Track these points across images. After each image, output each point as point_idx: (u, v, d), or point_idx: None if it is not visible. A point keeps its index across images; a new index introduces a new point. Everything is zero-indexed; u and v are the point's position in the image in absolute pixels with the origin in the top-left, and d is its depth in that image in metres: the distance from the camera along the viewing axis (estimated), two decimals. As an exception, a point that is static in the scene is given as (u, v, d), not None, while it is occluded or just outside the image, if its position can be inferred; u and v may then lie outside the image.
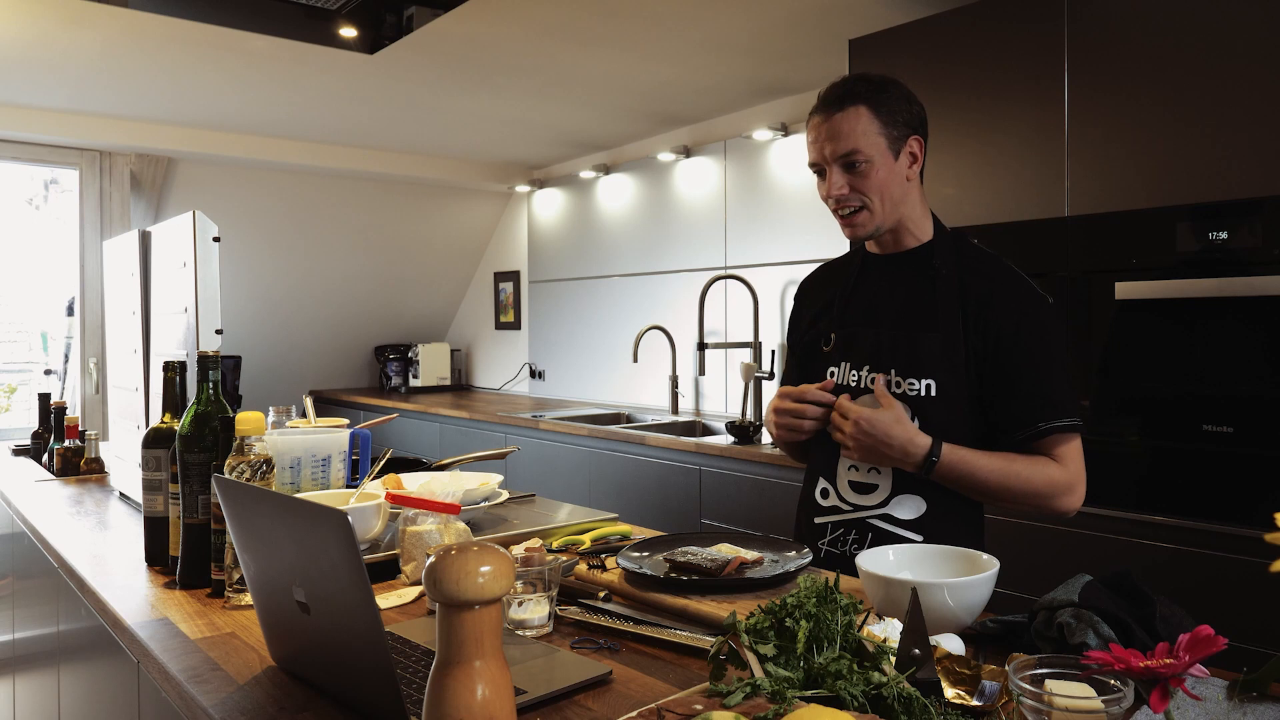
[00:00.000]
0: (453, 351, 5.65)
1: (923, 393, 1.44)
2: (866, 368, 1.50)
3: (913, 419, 1.43)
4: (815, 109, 1.47)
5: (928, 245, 1.51)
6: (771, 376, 3.69)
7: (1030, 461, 1.41)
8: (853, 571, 1.40)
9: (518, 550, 1.29)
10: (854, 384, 1.51)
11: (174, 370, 1.61)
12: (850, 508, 1.50)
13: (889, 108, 1.44)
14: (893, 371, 1.47)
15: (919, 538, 1.44)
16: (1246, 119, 1.90)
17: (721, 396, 4.04)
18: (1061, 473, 1.41)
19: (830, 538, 1.52)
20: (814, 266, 3.89)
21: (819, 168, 1.47)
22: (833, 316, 1.58)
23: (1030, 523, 2.21)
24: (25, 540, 2.00)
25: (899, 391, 1.46)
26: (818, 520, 1.55)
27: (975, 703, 0.85)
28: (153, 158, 4.30)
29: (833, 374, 1.54)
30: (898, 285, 1.52)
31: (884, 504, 1.47)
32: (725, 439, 3.27)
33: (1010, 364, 1.42)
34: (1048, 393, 1.41)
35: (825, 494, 1.54)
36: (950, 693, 0.87)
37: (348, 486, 1.65)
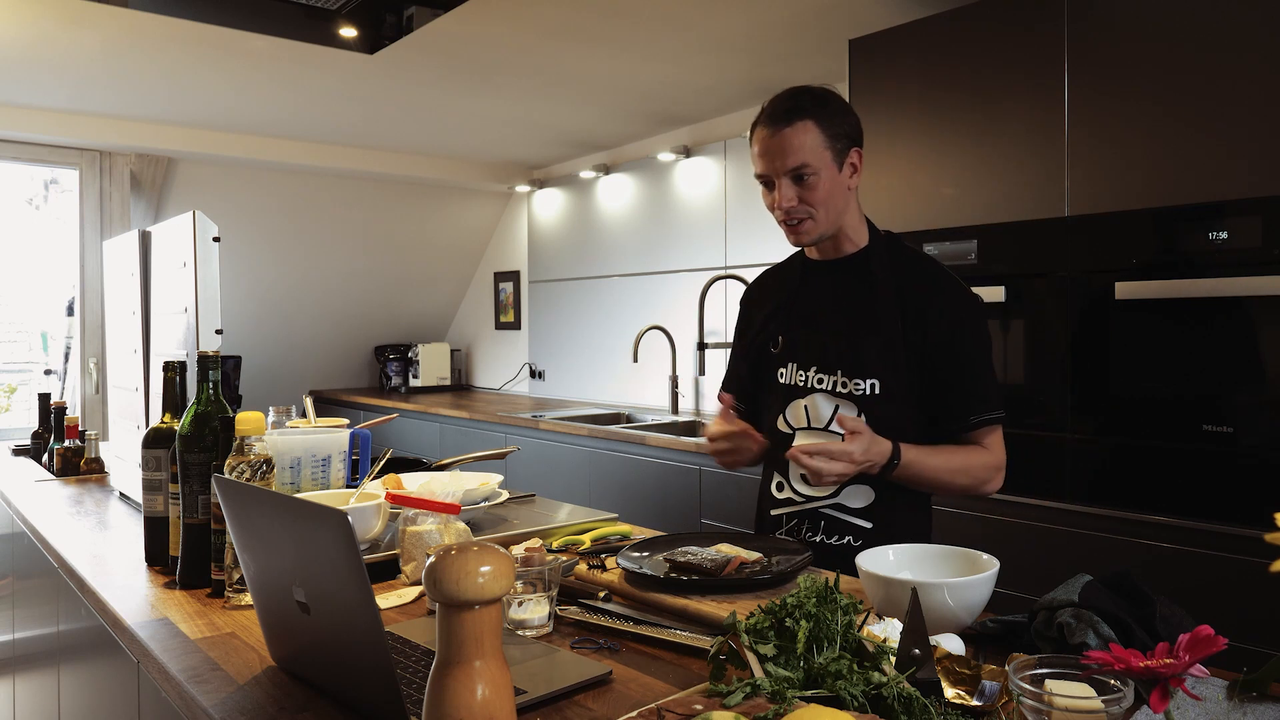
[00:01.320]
0: (453, 351, 5.65)
1: (868, 392, 1.53)
2: (814, 368, 1.58)
3: (859, 416, 1.52)
4: (761, 122, 1.53)
5: (864, 251, 1.59)
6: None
7: (968, 452, 1.52)
8: (818, 560, 1.50)
9: (518, 550, 1.29)
10: (801, 384, 1.59)
11: (174, 370, 1.61)
12: (803, 499, 1.59)
13: (832, 121, 1.51)
14: (839, 372, 1.55)
15: (869, 524, 1.54)
16: (1246, 119, 1.90)
17: (721, 396, 4.03)
18: (992, 458, 1.53)
19: (786, 527, 1.62)
20: (814, 266, 3.84)
21: (767, 179, 1.54)
22: (779, 320, 1.66)
23: (1030, 523, 2.21)
24: (25, 540, 2.00)
25: (845, 391, 1.55)
26: (774, 512, 1.64)
27: (975, 703, 0.85)
28: (153, 158, 4.30)
29: (781, 375, 1.62)
30: (838, 290, 1.60)
31: (835, 494, 1.56)
32: (725, 439, 3.27)
33: (946, 363, 1.52)
34: (979, 389, 1.52)
35: (780, 487, 1.63)
36: (950, 693, 0.87)
37: (348, 486, 1.65)
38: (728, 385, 1.78)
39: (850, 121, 1.54)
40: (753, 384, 1.71)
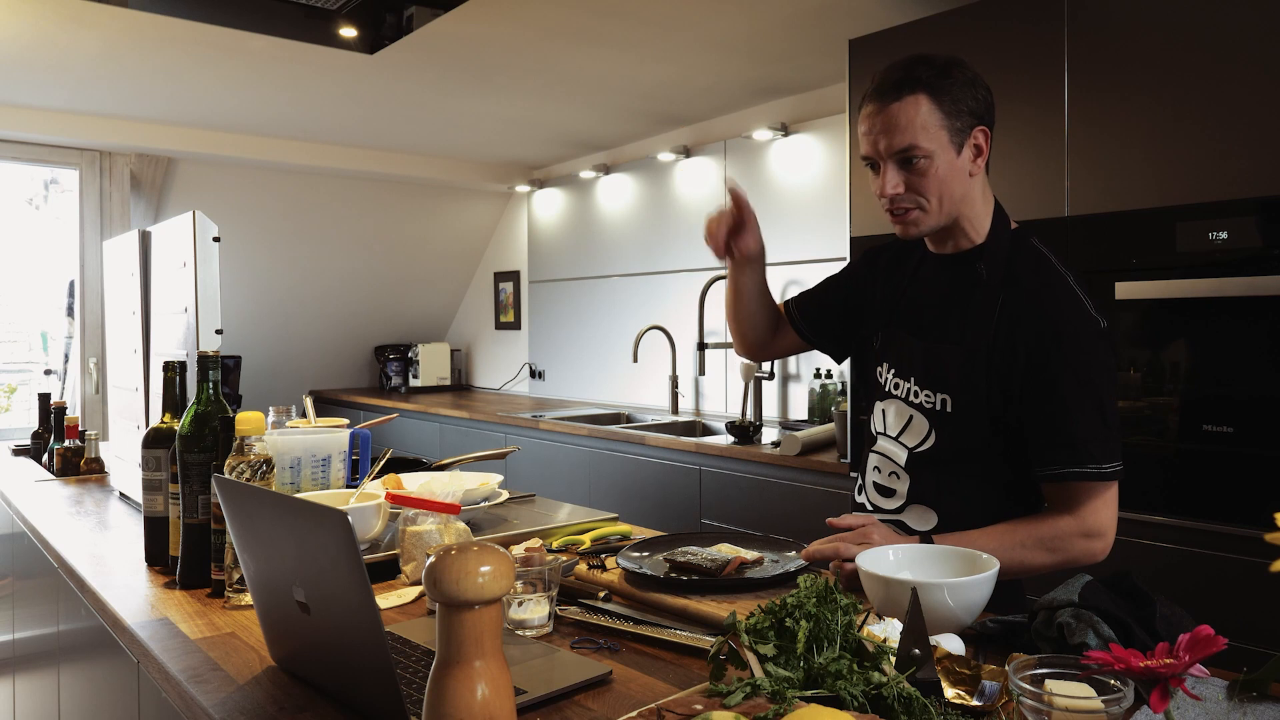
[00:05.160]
0: (453, 351, 5.65)
1: (938, 406, 1.37)
2: (893, 371, 1.45)
3: (930, 432, 1.38)
4: (870, 96, 1.33)
5: (980, 248, 1.38)
6: (771, 376, 3.69)
7: (1036, 524, 1.29)
8: None
9: (518, 550, 1.29)
10: (883, 386, 1.47)
11: (174, 370, 1.61)
12: (872, 509, 1.48)
13: (953, 95, 1.30)
14: (913, 380, 1.40)
15: None
16: (1246, 119, 1.90)
17: (721, 396, 4.04)
18: (1075, 523, 1.28)
19: None
20: (814, 266, 3.85)
21: (872, 162, 1.35)
22: (884, 314, 1.52)
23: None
24: (25, 540, 2.00)
25: (917, 402, 1.39)
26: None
27: (975, 703, 0.85)
28: (153, 158, 4.30)
29: (879, 373, 1.49)
30: (942, 289, 1.42)
31: (899, 510, 1.43)
32: (725, 439, 3.27)
33: (1036, 392, 1.29)
34: (1072, 433, 1.27)
35: (860, 490, 1.53)
36: (950, 693, 0.87)
37: (348, 486, 1.65)
38: (801, 299, 1.65)
39: (977, 95, 1.32)
40: (816, 313, 1.61)
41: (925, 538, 1.29)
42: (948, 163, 1.31)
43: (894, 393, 1.44)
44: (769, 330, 1.67)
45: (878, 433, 1.49)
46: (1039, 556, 1.29)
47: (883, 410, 1.47)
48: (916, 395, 1.40)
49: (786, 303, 1.69)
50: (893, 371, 1.45)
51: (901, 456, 1.43)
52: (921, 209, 1.33)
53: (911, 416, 1.41)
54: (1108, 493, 1.31)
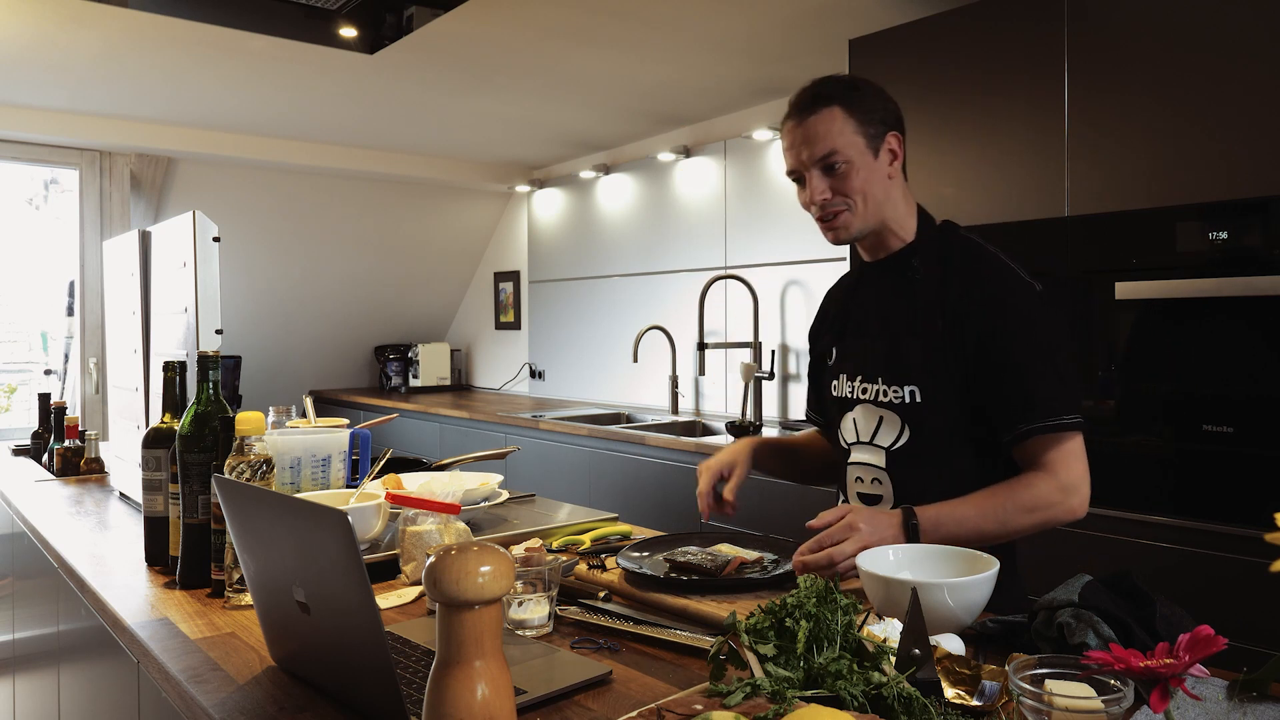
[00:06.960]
0: (453, 351, 5.65)
1: (906, 399, 1.41)
2: (859, 378, 1.49)
3: (902, 427, 1.42)
4: (788, 115, 1.44)
5: (910, 246, 1.47)
6: (771, 376, 3.69)
7: (1013, 485, 1.33)
8: None
9: (518, 550, 1.29)
10: (850, 395, 1.51)
11: (174, 370, 1.61)
12: None
13: (864, 105, 1.40)
14: (880, 379, 1.45)
15: None
16: (1246, 119, 1.90)
17: (721, 396, 4.04)
18: (1052, 480, 1.32)
19: None
20: (814, 266, 3.87)
21: (797, 175, 1.44)
22: (834, 330, 1.59)
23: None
24: (25, 540, 2.00)
25: (886, 400, 1.43)
26: None
27: (975, 703, 0.85)
28: (153, 158, 4.29)
29: (835, 387, 1.55)
30: (885, 291, 1.50)
31: None
32: (725, 439, 3.27)
33: (991, 362, 1.36)
34: (1030, 391, 1.33)
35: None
36: (950, 693, 0.87)
37: (348, 486, 1.65)
38: (808, 401, 1.72)
39: (885, 106, 1.43)
40: (819, 399, 1.65)
41: (907, 510, 1.31)
42: (867, 166, 1.41)
43: (862, 397, 1.48)
44: (829, 460, 1.66)
45: (850, 444, 1.51)
46: (1020, 519, 1.32)
47: (853, 420, 1.50)
48: (885, 394, 1.44)
49: (808, 416, 1.74)
50: (859, 378, 1.49)
51: (880, 459, 1.45)
52: (850, 209, 1.42)
53: (882, 417, 1.45)
54: (1072, 444, 1.34)
